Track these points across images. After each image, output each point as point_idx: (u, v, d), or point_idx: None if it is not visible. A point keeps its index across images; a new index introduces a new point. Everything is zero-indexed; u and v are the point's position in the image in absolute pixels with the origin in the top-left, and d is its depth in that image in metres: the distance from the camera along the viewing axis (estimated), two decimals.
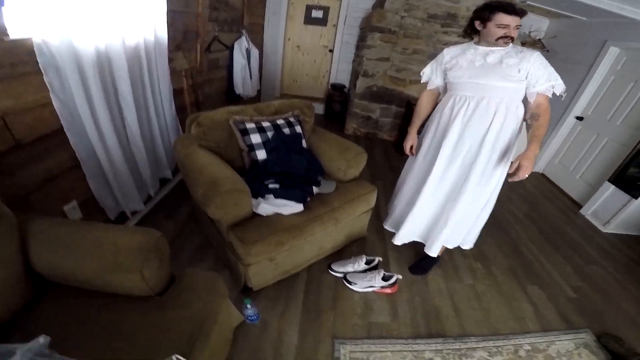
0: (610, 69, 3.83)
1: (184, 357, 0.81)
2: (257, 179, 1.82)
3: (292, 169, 1.90)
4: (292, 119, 2.16)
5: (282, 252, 1.69)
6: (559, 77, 1.62)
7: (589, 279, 2.49)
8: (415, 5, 3.94)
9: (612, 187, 3.32)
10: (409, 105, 4.09)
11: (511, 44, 1.66)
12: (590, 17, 3.90)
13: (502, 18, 1.56)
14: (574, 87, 4.06)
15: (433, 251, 2.05)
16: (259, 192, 1.77)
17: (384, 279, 1.98)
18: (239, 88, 4.03)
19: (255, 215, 1.69)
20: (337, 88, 5.14)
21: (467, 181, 1.79)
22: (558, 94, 1.63)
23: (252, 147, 1.92)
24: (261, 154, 1.93)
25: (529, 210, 3.41)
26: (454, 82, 1.77)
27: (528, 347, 1.78)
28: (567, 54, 4.30)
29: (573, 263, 2.65)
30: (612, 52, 3.74)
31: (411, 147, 2.03)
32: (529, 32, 4.41)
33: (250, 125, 1.95)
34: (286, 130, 2.06)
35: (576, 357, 1.78)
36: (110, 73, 1.85)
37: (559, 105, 4.19)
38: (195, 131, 1.88)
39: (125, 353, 0.92)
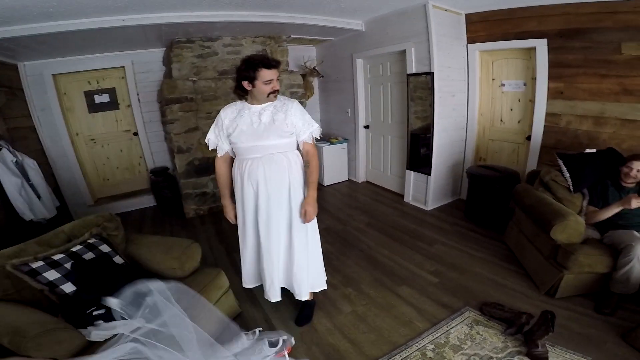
0: (364, 79, 4.73)
1: None
2: (75, 312, 1.60)
3: (110, 291, 1.62)
4: (92, 240, 1.87)
5: None
6: (314, 122, 1.92)
7: (438, 258, 2.85)
8: (202, 66, 3.96)
9: (412, 172, 4.05)
10: None
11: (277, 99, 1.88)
12: (336, 36, 4.69)
13: (266, 74, 1.71)
14: (351, 102, 4.86)
15: (304, 295, 2.09)
16: (86, 321, 1.56)
17: (272, 345, 1.80)
18: (26, 214, 3.08)
19: None
20: (159, 173, 4.53)
21: (289, 231, 1.94)
22: (318, 137, 1.94)
23: (52, 284, 1.66)
24: (68, 287, 1.67)
25: (368, 218, 3.80)
26: (240, 147, 1.86)
27: (431, 346, 1.88)
28: (336, 74, 5.12)
29: (421, 250, 3.02)
30: (359, 63, 4.65)
31: (234, 215, 2.09)
32: (305, 62, 5.01)
33: (37, 264, 1.64)
34: (88, 255, 1.78)
35: (477, 336, 1.94)
36: None
37: (349, 120, 4.91)
38: None
39: None
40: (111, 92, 4.58)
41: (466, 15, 3.67)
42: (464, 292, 2.37)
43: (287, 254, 2.00)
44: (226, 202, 2.08)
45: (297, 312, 2.23)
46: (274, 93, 1.79)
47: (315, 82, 5.41)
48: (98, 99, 4.53)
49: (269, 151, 1.83)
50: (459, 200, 4.19)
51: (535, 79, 3.29)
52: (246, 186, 1.89)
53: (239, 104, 1.89)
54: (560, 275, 2.16)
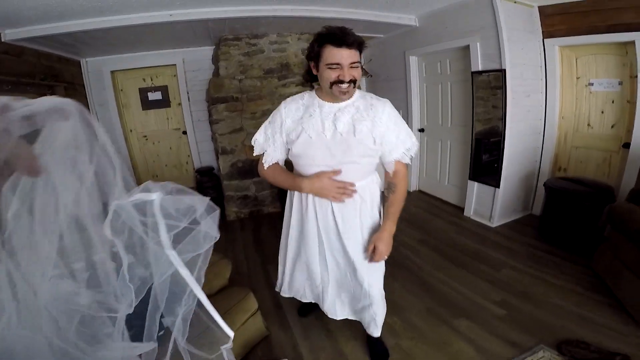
0: (419, 78, 4.27)
1: None
2: None
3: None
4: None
5: None
6: (411, 134, 1.39)
7: (506, 286, 2.39)
8: (248, 64, 3.87)
9: (475, 183, 3.53)
10: None
11: (358, 92, 1.36)
12: (385, 33, 4.30)
13: (332, 53, 1.18)
14: (404, 102, 4.40)
15: (377, 330, 1.69)
16: None
17: None
18: None
19: None
20: (204, 173, 4.53)
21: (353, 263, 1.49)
22: (414, 156, 1.43)
23: None
24: None
25: (421, 234, 3.37)
26: (304, 165, 1.38)
27: None
28: (386, 74, 4.72)
29: (484, 275, 2.55)
30: (413, 61, 4.18)
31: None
32: None
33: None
34: None
35: None
36: None
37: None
38: None
39: None
40: (163, 90, 4.69)
41: (539, 7, 3.16)
42: (538, 327, 1.93)
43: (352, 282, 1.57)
44: (301, 182, 1.38)
45: (366, 345, 1.88)
46: (340, 87, 1.23)
47: (363, 81, 5.11)
48: (151, 96, 4.65)
49: (343, 174, 1.34)
50: (530, 216, 3.58)
51: (637, 76, 2.69)
52: (310, 214, 1.46)
53: (306, 97, 1.39)
54: None
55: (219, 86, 3.78)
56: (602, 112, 3.11)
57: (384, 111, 1.32)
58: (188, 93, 4.59)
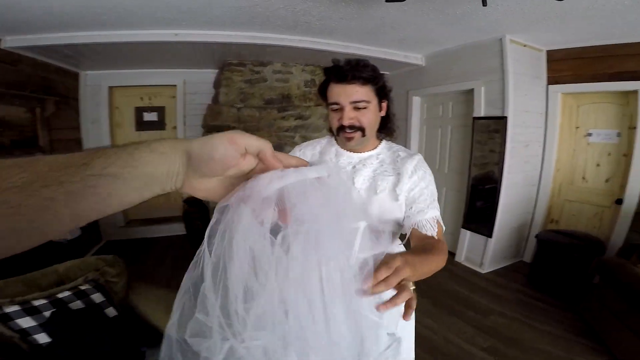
0: (420, 119, 4.26)
1: None
2: None
3: (92, 350, 1.40)
4: (84, 287, 1.61)
5: None
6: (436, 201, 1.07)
7: (495, 332, 2.40)
8: (249, 92, 3.82)
9: (468, 232, 3.48)
10: None
11: (384, 143, 1.11)
12: (391, 70, 4.34)
13: (334, 91, 0.99)
14: (402, 143, 4.35)
15: None
16: None
17: None
18: None
19: None
20: (193, 203, 4.25)
21: None
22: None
23: (25, 332, 1.41)
24: (43, 338, 1.42)
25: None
26: None
27: None
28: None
29: (473, 321, 2.55)
30: (416, 102, 4.19)
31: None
32: None
33: (12, 309, 1.41)
34: (76, 304, 1.52)
35: None
36: None
37: None
38: None
39: None
40: (160, 111, 4.59)
41: (548, 52, 3.21)
42: None
43: None
44: None
45: None
46: (346, 132, 1.01)
47: None
48: (147, 116, 4.54)
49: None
50: (521, 262, 3.58)
51: (635, 128, 2.73)
52: None
53: (324, 143, 1.16)
54: None
55: (216, 113, 3.71)
56: (598, 165, 3.13)
57: (414, 164, 1.05)
58: (185, 117, 4.49)
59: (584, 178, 3.24)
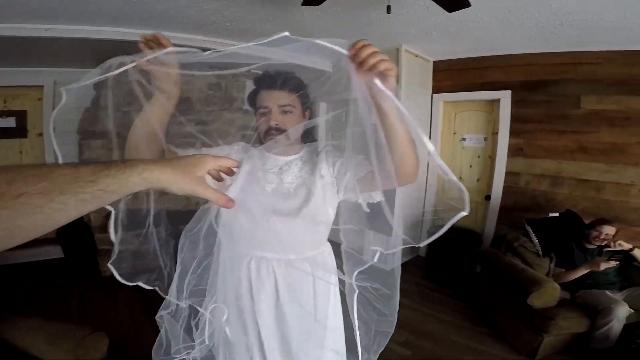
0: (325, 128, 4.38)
1: None
2: None
3: None
4: None
5: None
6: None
7: (407, 326, 2.50)
8: (136, 95, 3.38)
9: (372, 232, 3.67)
10: None
11: (306, 147, 1.15)
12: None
13: (262, 97, 1.06)
14: None
15: None
16: None
17: None
18: None
19: None
20: (69, 223, 3.56)
21: None
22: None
23: None
24: None
25: None
26: (233, 224, 1.06)
27: None
28: None
29: None
30: (322, 107, 4.28)
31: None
32: None
33: None
34: None
35: None
36: None
37: None
38: None
39: None
40: (20, 115, 3.77)
41: (434, 62, 3.56)
42: None
43: None
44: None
45: None
46: (273, 134, 1.03)
47: None
48: (1, 122, 3.68)
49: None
50: (417, 257, 3.90)
51: (497, 133, 3.26)
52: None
53: (253, 148, 1.13)
54: (540, 338, 2.20)
55: (95, 117, 3.19)
56: (471, 166, 3.65)
57: (325, 151, 1.12)
58: (54, 122, 3.76)
59: (461, 178, 3.73)
